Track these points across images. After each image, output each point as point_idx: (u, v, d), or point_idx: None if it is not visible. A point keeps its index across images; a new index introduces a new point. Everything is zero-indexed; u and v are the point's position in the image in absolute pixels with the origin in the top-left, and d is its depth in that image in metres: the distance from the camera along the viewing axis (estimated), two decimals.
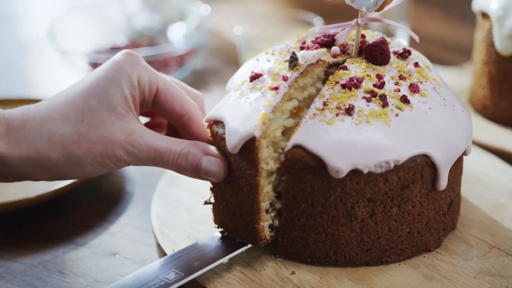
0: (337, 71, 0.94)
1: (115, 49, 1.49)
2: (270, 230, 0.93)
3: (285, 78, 0.91)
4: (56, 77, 1.52)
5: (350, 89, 0.91)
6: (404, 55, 0.98)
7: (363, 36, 0.99)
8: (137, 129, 0.88)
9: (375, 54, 0.95)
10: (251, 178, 0.90)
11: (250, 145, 0.88)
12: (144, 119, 0.98)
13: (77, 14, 1.57)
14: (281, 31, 1.43)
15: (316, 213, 0.90)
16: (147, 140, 0.89)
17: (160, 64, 1.45)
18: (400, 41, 1.02)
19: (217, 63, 1.54)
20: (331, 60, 0.97)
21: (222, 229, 0.96)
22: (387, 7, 0.94)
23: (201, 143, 0.92)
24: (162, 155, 0.89)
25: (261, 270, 0.91)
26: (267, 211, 0.92)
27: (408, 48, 0.99)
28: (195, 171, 0.91)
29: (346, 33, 0.98)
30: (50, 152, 0.85)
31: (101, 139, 0.86)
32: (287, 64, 0.93)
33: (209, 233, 0.98)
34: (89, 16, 1.60)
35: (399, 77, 0.94)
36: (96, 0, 1.66)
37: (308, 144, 0.88)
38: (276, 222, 0.93)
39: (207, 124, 0.94)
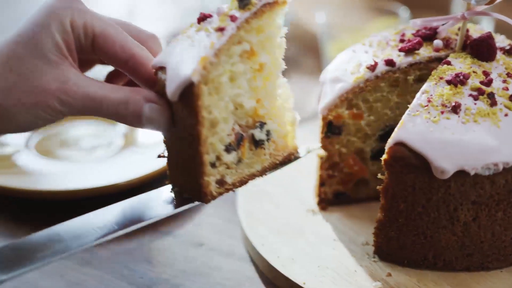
0: (440, 66, 0.90)
1: None
2: (218, 186, 0.84)
3: (233, 19, 0.82)
4: None
5: (455, 86, 0.87)
6: (511, 51, 0.93)
7: (467, 30, 0.95)
8: (72, 77, 0.81)
9: (482, 49, 0.91)
10: (192, 128, 0.81)
11: (189, 92, 0.79)
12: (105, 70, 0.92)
13: None
14: (364, 20, 1.39)
15: (416, 214, 0.86)
16: (83, 88, 0.81)
17: None
18: (503, 36, 0.97)
19: (294, 50, 1.51)
20: (433, 54, 0.93)
21: (172, 184, 0.88)
22: (498, 0, 0.89)
23: (143, 90, 0.84)
24: (100, 104, 0.82)
25: (355, 271, 0.89)
26: (213, 165, 0.83)
27: None
28: (137, 120, 0.83)
29: (449, 26, 0.94)
30: None
31: (33, 89, 0.80)
32: (237, 2, 0.83)
33: (297, 228, 0.96)
34: None
35: (506, 74, 0.89)
36: None
37: (411, 141, 0.84)
38: (227, 178, 0.85)
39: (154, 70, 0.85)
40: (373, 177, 0.99)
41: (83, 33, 0.82)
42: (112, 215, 0.85)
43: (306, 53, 1.49)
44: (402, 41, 0.95)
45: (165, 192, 0.88)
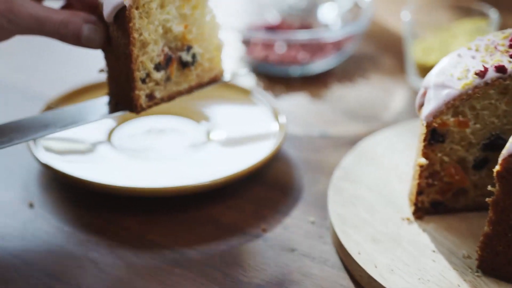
0: None
1: (268, 28, 1.44)
2: (147, 99, 0.98)
3: None
4: None
5: None
6: None
7: None
8: (18, 0, 0.93)
9: None
10: (125, 48, 0.94)
11: (122, 15, 0.92)
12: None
13: None
14: (450, 20, 1.34)
15: None
16: (28, 8, 0.93)
17: (316, 47, 1.39)
18: None
19: (373, 49, 1.47)
20: None
21: (109, 96, 1.02)
22: None
23: (82, 13, 0.96)
24: (44, 23, 0.94)
25: (458, 285, 0.85)
26: (143, 80, 0.96)
27: None
28: (76, 39, 0.95)
29: None
30: None
31: None
32: None
33: (393, 237, 0.93)
34: None
35: None
36: None
37: None
38: (156, 93, 0.98)
39: None
40: (473, 187, 0.95)
41: None
42: (55, 118, 0.99)
43: (386, 52, 1.45)
44: (511, 46, 0.91)
45: (102, 102, 1.02)
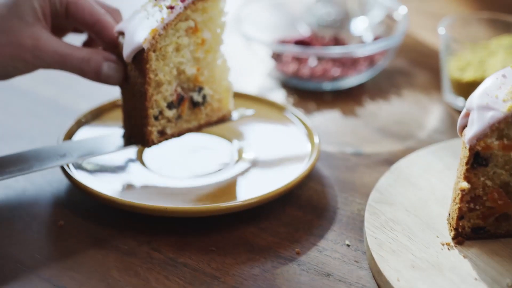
0: None
1: (299, 42, 1.41)
2: (159, 135, 1.04)
3: (182, 0, 1.00)
4: (242, 63, 1.44)
5: None
6: None
7: None
8: (44, 35, 1.00)
9: None
10: (141, 86, 1.00)
11: (140, 56, 0.99)
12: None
13: (259, 2, 1.50)
14: (489, 35, 1.31)
15: None
16: (53, 45, 1.00)
17: (348, 62, 1.36)
18: None
19: (406, 63, 1.43)
20: None
21: (124, 129, 1.08)
22: None
23: (102, 51, 1.03)
24: (67, 60, 1.00)
25: None
26: (156, 117, 1.02)
27: None
28: (96, 75, 1.02)
29: None
30: None
31: (11, 43, 0.98)
32: None
33: (433, 263, 0.90)
34: (270, 5, 1.52)
35: None
36: None
37: None
38: (168, 129, 1.04)
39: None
40: None
41: (59, 2, 1.01)
42: (72, 148, 1.04)
43: (419, 66, 1.42)
44: None
45: (117, 135, 1.08)
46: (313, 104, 1.31)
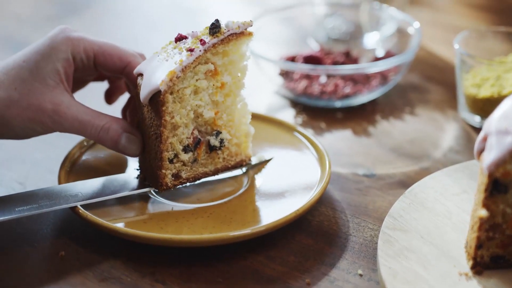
0: None
1: (309, 58, 1.37)
2: (173, 178, 1.01)
3: (202, 42, 0.98)
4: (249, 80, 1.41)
5: None
6: None
7: None
8: (65, 100, 0.99)
9: None
10: (157, 128, 0.98)
11: (157, 98, 0.96)
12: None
13: (268, 16, 1.46)
14: (505, 52, 1.26)
15: None
16: (73, 111, 0.99)
17: (361, 78, 1.32)
18: None
19: (419, 78, 1.39)
20: None
21: (139, 170, 1.05)
22: None
23: (122, 120, 1.02)
24: (86, 127, 0.99)
25: None
26: (171, 161, 1.00)
27: None
28: (114, 145, 1.01)
29: None
30: None
31: (31, 106, 0.97)
32: (208, 29, 0.99)
33: None
34: (280, 20, 1.48)
35: None
36: (285, 3, 1.54)
37: None
38: (183, 173, 1.01)
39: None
40: None
41: (85, 56, 1.01)
42: (85, 187, 1.00)
43: (433, 81, 1.38)
44: None
45: (132, 176, 1.05)
46: (323, 123, 1.27)
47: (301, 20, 1.52)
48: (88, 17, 1.70)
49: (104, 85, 1.13)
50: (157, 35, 1.60)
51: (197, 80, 0.99)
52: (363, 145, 1.21)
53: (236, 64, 1.02)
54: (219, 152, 1.04)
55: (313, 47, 1.45)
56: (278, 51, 1.42)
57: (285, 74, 1.35)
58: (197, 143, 1.01)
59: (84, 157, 1.09)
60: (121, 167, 1.08)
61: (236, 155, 1.06)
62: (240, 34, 0.99)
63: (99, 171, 1.07)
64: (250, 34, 1.00)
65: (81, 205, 0.97)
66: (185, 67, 0.96)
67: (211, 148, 1.03)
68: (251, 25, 1.01)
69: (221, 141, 1.03)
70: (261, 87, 1.37)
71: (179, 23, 1.67)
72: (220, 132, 1.03)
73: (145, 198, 1.02)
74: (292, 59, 1.38)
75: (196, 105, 1.00)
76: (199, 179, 1.04)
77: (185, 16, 1.72)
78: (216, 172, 1.05)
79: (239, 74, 1.03)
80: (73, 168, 1.06)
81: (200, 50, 0.97)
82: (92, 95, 1.15)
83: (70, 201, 0.97)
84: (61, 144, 1.17)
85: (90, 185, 1.01)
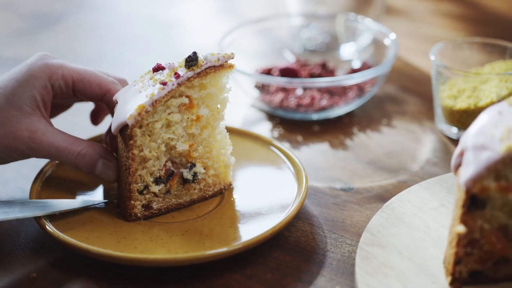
0: None
1: (285, 70, 1.36)
2: (143, 209, 0.99)
3: (176, 76, 0.95)
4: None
5: None
6: None
7: None
8: (41, 127, 0.98)
9: None
10: (126, 160, 0.97)
11: (126, 131, 0.95)
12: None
13: (243, 29, 1.45)
14: (482, 62, 1.26)
15: None
16: (49, 138, 0.98)
17: (337, 90, 1.31)
18: None
19: (396, 89, 1.38)
20: None
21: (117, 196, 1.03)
22: None
23: (99, 146, 1.01)
24: (62, 153, 0.99)
25: None
26: (141, 192, 0.98)
27: None
28: (90, 171, 1.00)
29: None
30: None
31: (7, 134, 0.97)
32: (184, 61, 0.97)
33: None
34: (255, 32, 1.47)
35: None
36: (260, 15, 1.53)
37: None
38: (154, 204, 0.99)
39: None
40: None
41: (64, 83, 1.00)
42: (54, 203, 0.99)
43: (410, 92, 1.37)
44: None
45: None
46: (300, 136, 1.26)
47: (277, 32, 1.51)
48: (61, 32, 1.67)
49: (90, 105, 1.12)
50: (131, 50, 1.57)
51: (169, 113, 0.96)
52: (340, 159, 1.20)
53: (215, 96, 0.99)
54: (193, 184, 1.02)
55: (289, 59, 1.44)
56: (254, 63, 1.41)
57: (261, 87, 1.34)
58: (169, 175, 0.99)
59: (56, 175, 1.07)
60: (94, 185, 1.06)
61: (215, 185, 1.04)
62: (220, 66, 0.97)
63: (71, 188, 1.05)
64: (231, 66, 0.98)
65: (52, 225, 0.95)
66: (156, 101, 0.93)
67: (185, 181, 1.01)
68: (232, 58, 0.98)
69: (195, 174, 1.01)
70: (236, 100, 1.35)
71: (153, 37, 1.65)
72: (194, 165, 1.00)
73: (119, 217, 1.00)
74: (268, 71, 1.37)
75: (169, 138, 0.97)
76: (172, 210, 1.01)
77: (159, 29, 1.70)
78: (192, 202, 1.03)
79: (218, 106, 1.00)
80: (44, 186, 1.04)
81: (173, 84, 0.94)
82: (79, 114, 1.13)
83: (36, 211, 0.96)
84: (31, 161, 1.15)
85: (59, 202, 1.00)
